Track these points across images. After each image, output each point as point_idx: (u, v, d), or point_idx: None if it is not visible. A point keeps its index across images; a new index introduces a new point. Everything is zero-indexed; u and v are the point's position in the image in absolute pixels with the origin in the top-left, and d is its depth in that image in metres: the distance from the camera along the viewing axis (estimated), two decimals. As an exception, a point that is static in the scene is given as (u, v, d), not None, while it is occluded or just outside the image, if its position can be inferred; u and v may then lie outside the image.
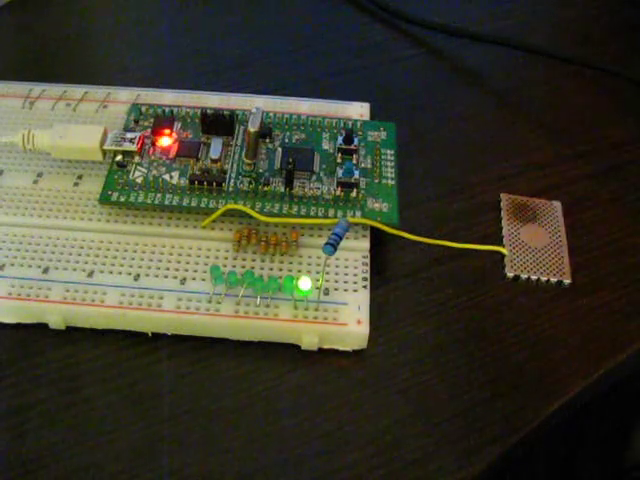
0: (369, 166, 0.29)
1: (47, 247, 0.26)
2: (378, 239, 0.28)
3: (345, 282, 0.26)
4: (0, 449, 0.23)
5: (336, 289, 0.26)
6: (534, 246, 0.28)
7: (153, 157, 0.28)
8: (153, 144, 0.29)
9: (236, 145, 0.29)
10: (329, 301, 0.25)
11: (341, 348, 0.25)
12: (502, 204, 0.30)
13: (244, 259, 0.26)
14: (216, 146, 0.28)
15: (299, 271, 0.26)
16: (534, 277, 0.27)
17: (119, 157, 0.28)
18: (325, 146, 0.29)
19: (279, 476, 0.22)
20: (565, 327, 0.26)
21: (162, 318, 0.25)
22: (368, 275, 0.26)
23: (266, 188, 0.27)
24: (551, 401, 0.24)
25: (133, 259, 0.26)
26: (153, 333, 0.25)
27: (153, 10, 0.39)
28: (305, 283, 0.25)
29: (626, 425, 0.37)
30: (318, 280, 0.25)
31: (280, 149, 0.29)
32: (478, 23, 0.38)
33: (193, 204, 0.27)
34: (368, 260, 0.26)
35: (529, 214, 0.29)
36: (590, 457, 0.38)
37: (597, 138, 0.33)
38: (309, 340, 0.25)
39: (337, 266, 0.26)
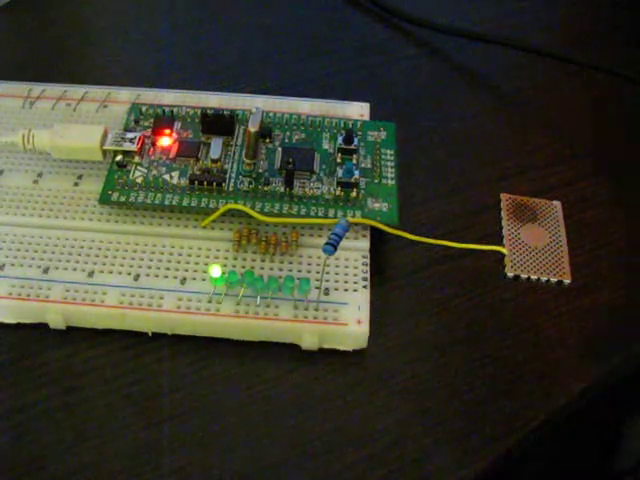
0: (369, 166, 0.29)
1: (47, 247, 0.26)
2: (378, 239, 0.28)
3: (345, 282, 0.26)
4: (0, 449, 0.23)
5: (336, 289, 0.26)
6: (534, 246, 0.28)
7: (153, 157, 0.28)
8: (153, 144, 0.29)
9: (236, 145, 0.29)
10: (329, 301, 0.25)
11: (341, 348, 0.25)
12: (502, 204, 0.30)
13: (244, 259, 0.26)
14: (216, 146, 0.28)
15: (299, 271, 0.26)
16: (534, 277, 0.27)
17: (119, 157, 0.28)
18: (325, 146, 0.29)
19: (279, 476, 0.22)
20: (565, 327, 0.26)
21: (162, 318, 0.25)
22: (368, 275, 0.26)
23: (266, 188, 0.27)
24: (551, 401, 0.24)
25: (133, 259, 0.26)
26: (153, 333, 0.25)
27: (153, 10, 0.39)
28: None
29: (616, 429, 0.37)
30: (318, 280, 0.25)
31: (280, 149, 0.29)
32: (478, 23, 0.38)
33: (193, 204, 0.27)
34: (368, 260, 0.26)
35: (529, 214, 0.29)
36: (584, 459, 0.38)
37: (597, 138, 0.33)
38: (309, 340, 0.25)
39: (337, 266, 0.26)
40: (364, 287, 0.26)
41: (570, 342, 0.26)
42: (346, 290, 0.26)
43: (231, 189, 0.27)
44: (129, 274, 0.26)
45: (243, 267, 0.26)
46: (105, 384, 0.24)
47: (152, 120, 0.30)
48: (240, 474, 0.22)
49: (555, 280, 0.27)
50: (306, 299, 0.25)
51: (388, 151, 0.29)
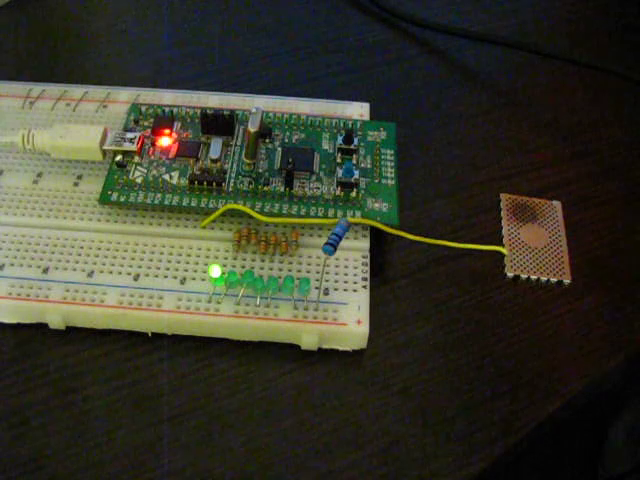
0: (369, 166, 0.29)
1: (47, 247, 0.26)
2: (378, 239, 0.28)
3: (345, 282, 0.26)
4: (0, 449, 0.23)
5: (336, 289, 0.26)
6: (534, 246, 0.28)
7: (153, 157, 0.28)
8: (153, 144, 0.29)
9: (236, 145, 0.29)
10: (329, 301, 0.25)
11: (341, 348, 0.25)
12: (502, 204, 0.30)
13: (244, 259, 0.26)
14: (216, 146, 0.28)
15: (299, 271, 0.26)
16: (534, 277, 0.27)
17: (119, 157, 0.28)
18: (325, 146, 0.29)
19: (279, 476, 0.22)
20: (565, 327, 0.26)
21: (162, 318, 0.25)
22: (368, 275, 0.26)
23: (266, 188, 0.27)
24: (551, 401, 0.24)
25: (133, 259, 0.26)
26: (153, 333, 0.25)
27: (153, 10, 0.39)
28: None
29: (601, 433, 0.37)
30: (317, 280, 0.25)
31: (280, 149, 0.29)
32: (478, 23, 0.38)
33: (193, 204, 0.27)
34: (368, 260, 0.26)
35: (529, 214, 0.29)
36: (583, 459, 0.38)
37: (597, 138, 0.33)
38: (309, 340, 0.25)
39: (337, 266, 0.26)
40: (364, 287, 0.26)
41: (570, 342, 0.26)
42: (346, 290, 0.26)
43: (231, 189, 0.27)
44: (129, 274, 0.26)
45: (243, 267, 0.26)
46: (105, 384, 0.24)
47: (152, 120, 0.30)
48: (240, 474, 0.22)
49: (555, 280, 0.27)
50: (306, 299, 0.25)
51: (388, 151, 0.29)
